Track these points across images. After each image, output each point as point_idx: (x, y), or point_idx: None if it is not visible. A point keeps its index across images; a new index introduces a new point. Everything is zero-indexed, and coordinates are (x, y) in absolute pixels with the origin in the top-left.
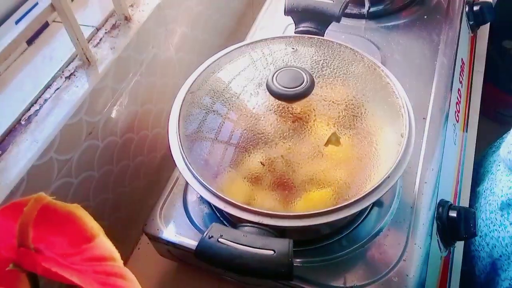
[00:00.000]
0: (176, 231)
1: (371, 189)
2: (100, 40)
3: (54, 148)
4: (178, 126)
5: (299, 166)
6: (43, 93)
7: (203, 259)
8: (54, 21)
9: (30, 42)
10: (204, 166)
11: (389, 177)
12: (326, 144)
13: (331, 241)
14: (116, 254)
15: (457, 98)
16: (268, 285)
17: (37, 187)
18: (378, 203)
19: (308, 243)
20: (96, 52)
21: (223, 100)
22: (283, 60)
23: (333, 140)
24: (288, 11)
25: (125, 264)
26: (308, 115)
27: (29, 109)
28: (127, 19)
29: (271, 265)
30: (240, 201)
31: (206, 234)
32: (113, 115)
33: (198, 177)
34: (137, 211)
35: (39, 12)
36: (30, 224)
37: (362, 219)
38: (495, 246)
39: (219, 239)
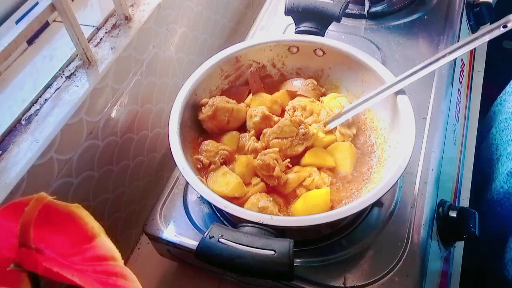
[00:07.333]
0: (176, 231)
1: (371, 190)
2: (100, 40)
3: (55, 148)
4: (179, 126)
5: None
6: (43, 93)
7: (203, 259)
8: (54, 20)
9: (30, 41)
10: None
11: (389, 178)
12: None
13: (331, 241)
14: (116, 253)
15: (457, 98)
16: (268, 285)
17: (37, 187)
18: (378, 204)
19: (309, 243)
20: (97, 52)
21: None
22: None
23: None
24: (288, 11)
25: (125, 264)
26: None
27: (29, 108)
28: (128, 19)
29: (271, 265)
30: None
31: (207, 234)
32: (113, 115)
33: (199, 177)
34: (137, 211)
35: (40, 11)
36: (31, 224)
37: (362, 219)
38: None
39: (220, 239)
